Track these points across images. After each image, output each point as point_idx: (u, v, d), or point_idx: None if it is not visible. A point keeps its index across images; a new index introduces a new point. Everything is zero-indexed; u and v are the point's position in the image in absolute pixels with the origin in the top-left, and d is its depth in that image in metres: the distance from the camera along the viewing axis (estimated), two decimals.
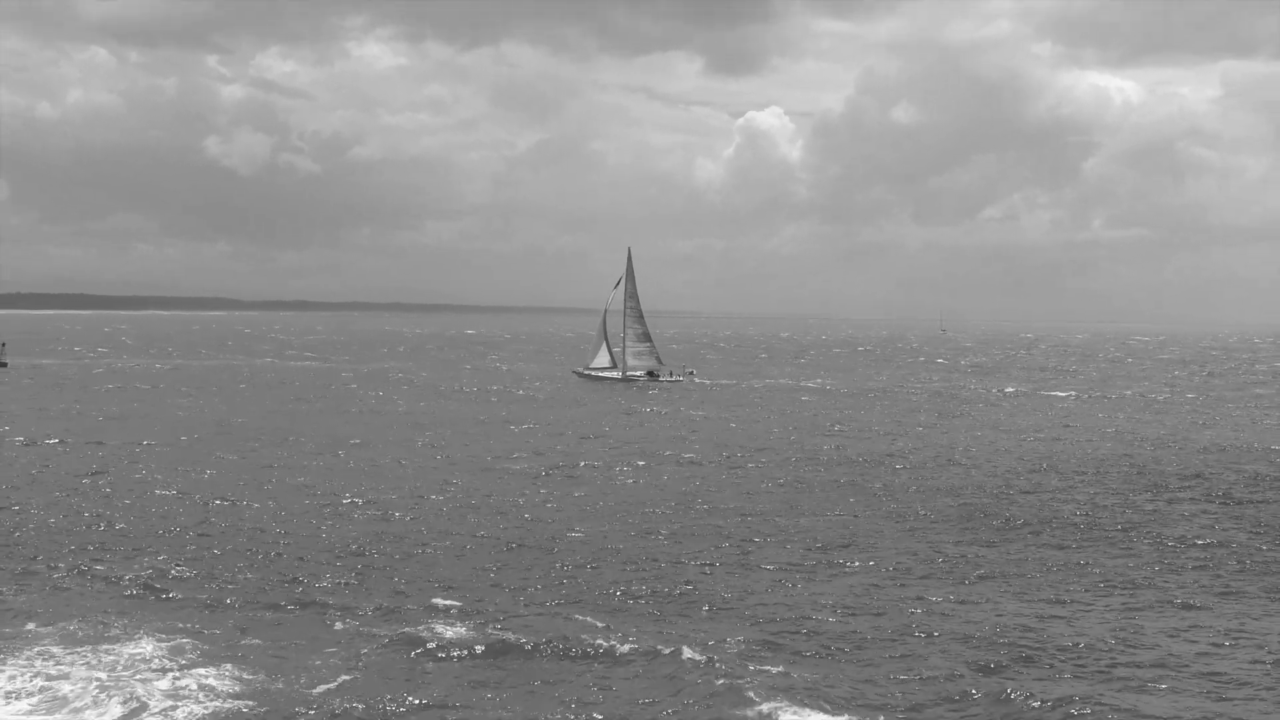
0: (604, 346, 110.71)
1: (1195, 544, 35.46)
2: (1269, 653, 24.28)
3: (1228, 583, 30.49)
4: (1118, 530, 37.21)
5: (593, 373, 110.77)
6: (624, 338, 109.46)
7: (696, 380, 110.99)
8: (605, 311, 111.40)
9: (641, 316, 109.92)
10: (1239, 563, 32.84)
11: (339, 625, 25.98)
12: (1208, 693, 22.05)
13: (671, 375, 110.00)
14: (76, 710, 21.26)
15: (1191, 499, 43.86)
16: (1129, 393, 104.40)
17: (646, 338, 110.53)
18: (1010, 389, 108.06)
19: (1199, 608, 27.98)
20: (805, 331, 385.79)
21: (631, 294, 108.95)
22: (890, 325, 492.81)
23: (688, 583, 29.79)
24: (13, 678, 22.71)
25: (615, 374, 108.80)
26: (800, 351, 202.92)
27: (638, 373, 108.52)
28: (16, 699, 21.83)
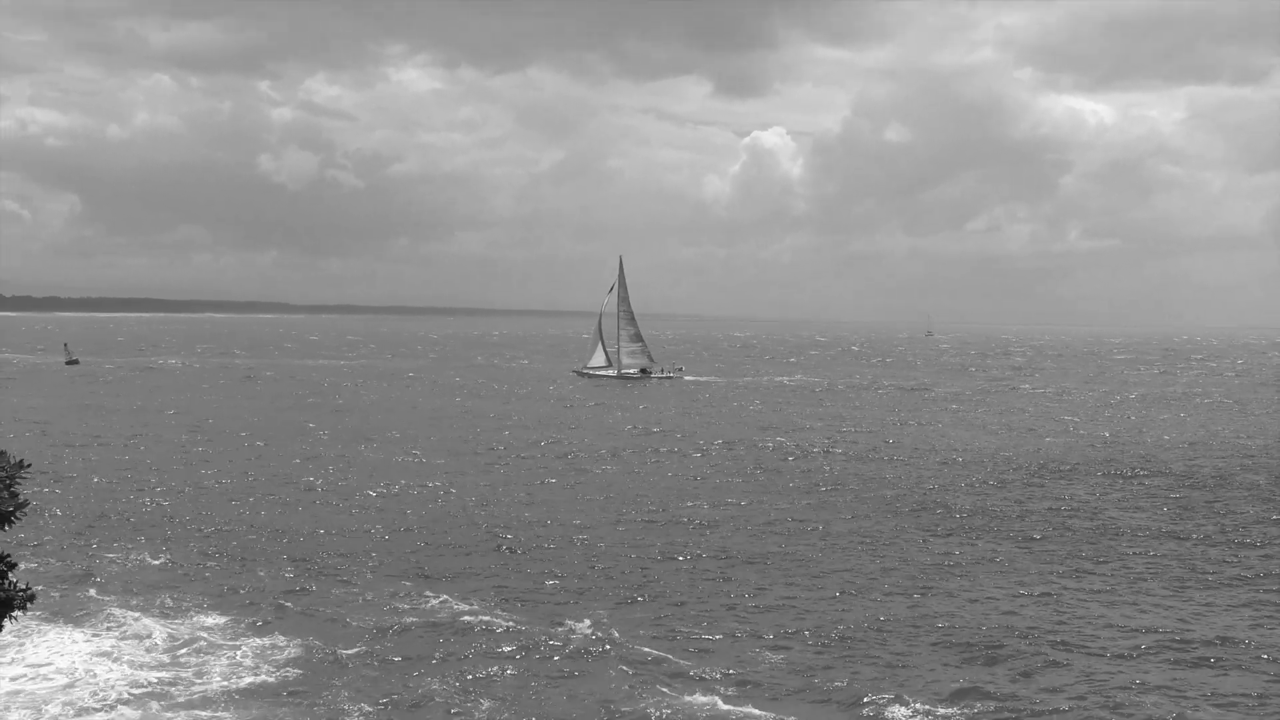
0: (600, 347, 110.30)
1: (1142, 534, 34.87)
2: (1225, 634, 24.43)
3: (1182, 574, 29.82)
4: (1075, 522, 36.51)
5: (590, 371, 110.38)
6: (618, 338, 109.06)
7: (686, 377, 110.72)
8: (600, 315, 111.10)
9: (634, 319, 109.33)
10: (1191, 554, 32.25)
11: (364, 600, 26.74)
12: (1170, 671, 22.09)
13: (663, 372, 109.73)
14: (145, 666, 22.37)
15: (1142, 491, 43.23)
16: (1094, 390, 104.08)
17: (638, 338, 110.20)
18: (983, 386, 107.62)
19: (1155, 593, 27.69)
20: (801, 333, 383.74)
21: (624, 298, 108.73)
22: (880, 328, 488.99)
23: (669, 574, 29.43)
24: (94, 635, 24.23)
25: (611, 372, 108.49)
26: (792, 352, 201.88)
27: (631, 370, 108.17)
28: (96, 647, 23.36)
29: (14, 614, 11.78)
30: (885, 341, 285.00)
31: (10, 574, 11.68)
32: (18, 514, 11.24)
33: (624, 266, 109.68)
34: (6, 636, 22.47)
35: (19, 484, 11.13)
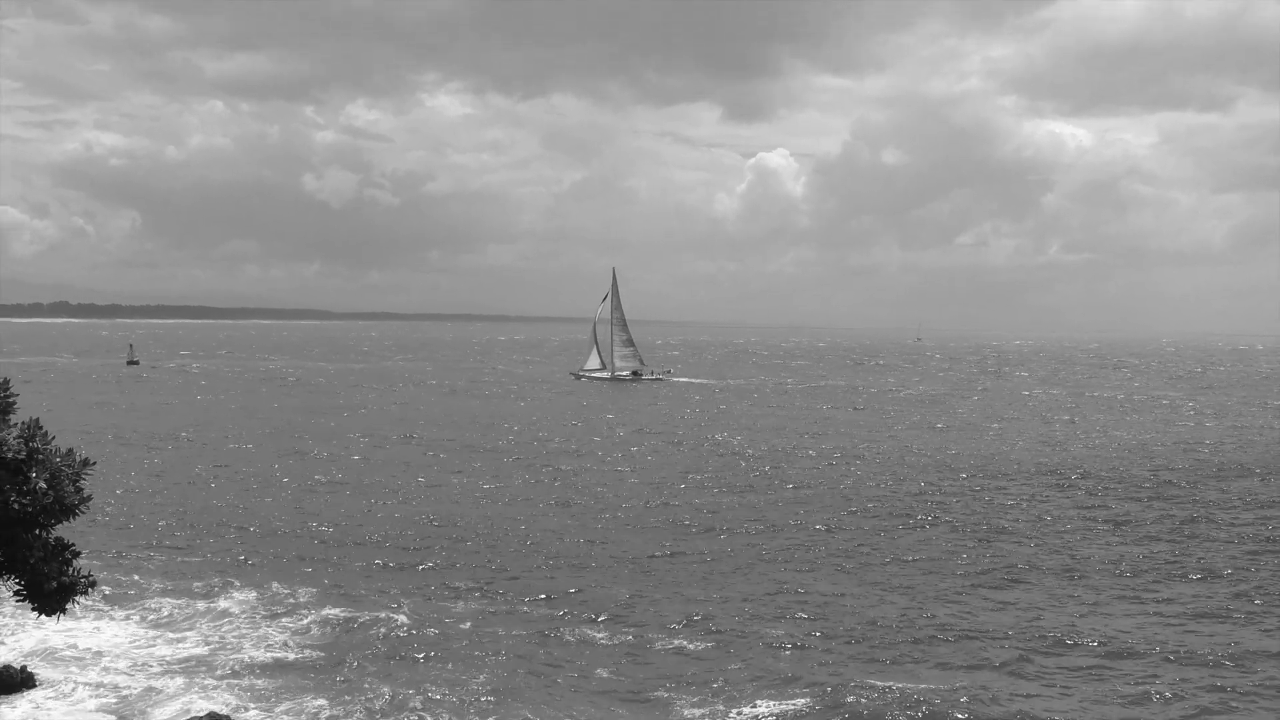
0: (595, 351, 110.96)
1: (1075, 532, 34.40)
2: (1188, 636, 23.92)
3: (1139, 574, 29.08)
4: (1029, 523, 36.13)
5: (586, 374, 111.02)
6: (611, 343, 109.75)
7: (676, 379, 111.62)
8: (595, 322, 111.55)
9: (625, 325, 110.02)
10: (1133, 553, 31.53)
11: (384, 588, 27.41)
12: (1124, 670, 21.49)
13: (653, 374, 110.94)
14: (181, 642, 23.04)
15: (1084, 490, 42.67)
16: (1057, 391, 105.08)
17: (630, 343, 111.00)
18: (953, 388, 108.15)
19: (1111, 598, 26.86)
20: (802, 340, 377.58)
21: (617, 307, 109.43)
22: (875, 335, 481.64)
23: (660, 569, 29.39)
24: (131, 612, 25.12)
25: (605, 374, 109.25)
26: (787, 355, 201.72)
27: (624, 373, 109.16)
28: (135, 622, 24.32)
29: (77, 598, 11.79)
30: (875, 347, 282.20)
31: (75, 561, 11.66)
32: (82, 507, 11.17)
33: (618, 278, 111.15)
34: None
35: (83, 480, 11.05)
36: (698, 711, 19.66)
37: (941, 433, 64.68)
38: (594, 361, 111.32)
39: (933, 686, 20.67)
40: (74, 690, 20.47)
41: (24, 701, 19.82)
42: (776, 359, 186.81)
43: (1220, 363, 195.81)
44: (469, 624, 24.36)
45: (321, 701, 19.95)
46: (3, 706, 19.65)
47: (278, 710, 19.64)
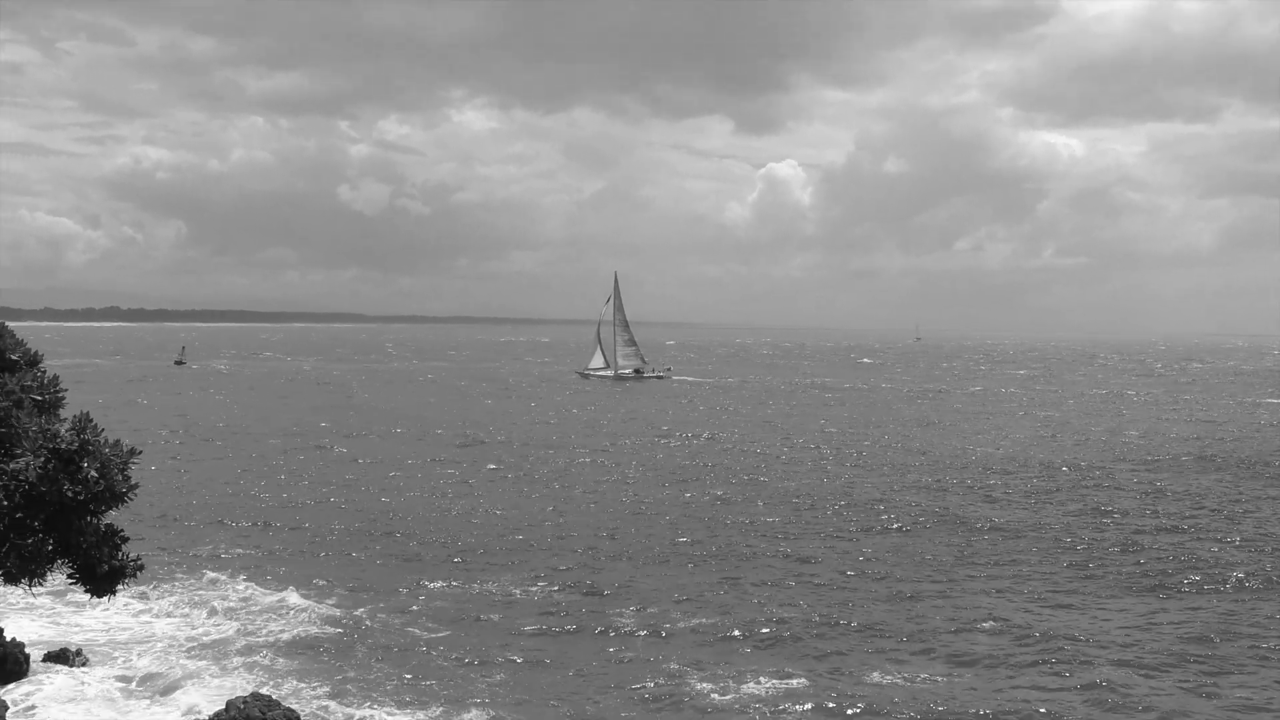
0: (599, 350, 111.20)
1: (1034, 530, 33.52)
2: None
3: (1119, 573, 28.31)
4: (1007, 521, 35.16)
5: (590, 372, 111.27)
6: (614, 343, 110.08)
7: (675, 377, 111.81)
8: (599, 323, 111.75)
9: (627, 325, 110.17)
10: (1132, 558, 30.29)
11: (405, 576, 27.66)
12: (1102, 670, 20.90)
13: (654, 372, 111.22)
14: (211, 624, 23.43)
15: (1044, 487, 41.84)
16: (1055, 389, 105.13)
17: (632, 342, 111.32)
18: (935, 386, 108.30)
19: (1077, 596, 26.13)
20: (806, 340, 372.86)
21: (619, 308, 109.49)
22: (877, 335, 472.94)
23: (664, 559, 29.49)
24: (165, 596, 25.64)
25: (609, 373, 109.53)
26: (784, 355, 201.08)
27: (626, 371, 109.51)
28: (174, 615, 24.57)
29: (125, 581, 11.74)
30: (875, 347, 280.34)
31: (123, 547, 11.70)
32: (129, 495, 11.11)
33: (623, 283, 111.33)
34: (82, 595, 22.66)
35: (130, 468, 11.01)
36: (706, 686, 19.90)
37: (932, 428, 65.03)
38: (598, 360, 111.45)
39: (928, 677, 20.52)
40: (113, 669, 20.66)
41: (65, 678, 19.86)
42: (779, 359, 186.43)
43: (1200, 359, 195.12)
44: (497, 616, 24.32)
45: (349, 686, 20.11)
46: (46, 675, 19.84)
47: (306, 692, 19.76)
